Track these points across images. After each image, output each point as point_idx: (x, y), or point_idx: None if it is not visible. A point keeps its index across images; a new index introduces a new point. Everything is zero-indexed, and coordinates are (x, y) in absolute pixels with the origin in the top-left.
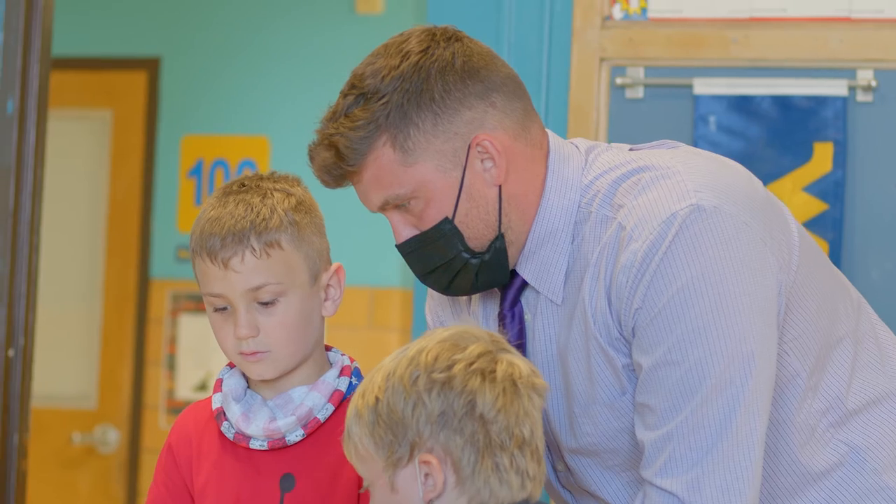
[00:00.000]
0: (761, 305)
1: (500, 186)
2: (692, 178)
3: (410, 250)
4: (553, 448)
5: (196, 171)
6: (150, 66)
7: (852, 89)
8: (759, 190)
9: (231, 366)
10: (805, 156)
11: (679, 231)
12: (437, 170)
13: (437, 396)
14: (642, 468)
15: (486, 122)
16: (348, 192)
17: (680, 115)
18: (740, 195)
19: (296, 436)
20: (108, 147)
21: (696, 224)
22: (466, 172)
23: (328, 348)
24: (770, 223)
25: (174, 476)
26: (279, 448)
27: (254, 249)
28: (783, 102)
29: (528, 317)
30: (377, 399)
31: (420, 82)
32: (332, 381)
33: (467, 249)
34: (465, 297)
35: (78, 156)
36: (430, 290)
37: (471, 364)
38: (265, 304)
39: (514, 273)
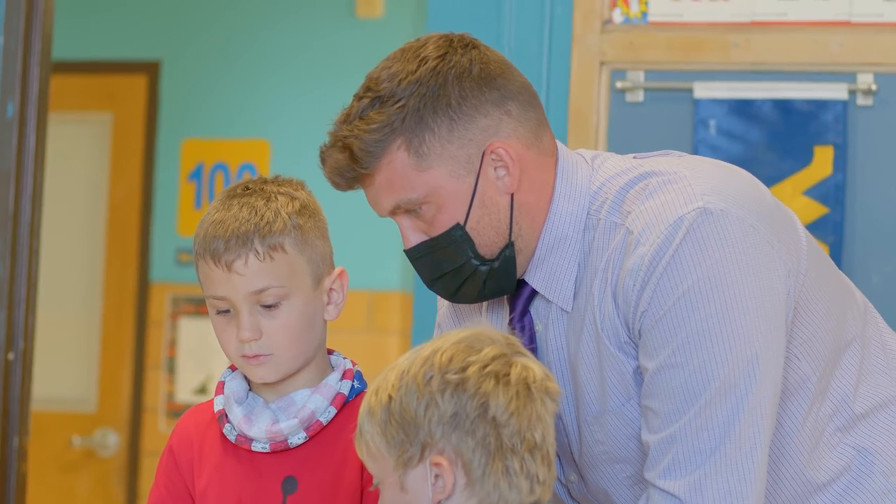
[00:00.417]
0: (767, 309)
1: (512, 195)
2: (699, 182)
3: (419, 255)
4: (565, 458)
5: (196, 174)
6: (151, 70)
7: (852, 93)
8: (767, 195)
9: (233, 368)
10: (805, 159)
11: (687, 234)
12: (450, 176)
13: (450, 397)
14: (646, 470)
15: (500, 130)
16: (347, 196)
17: (680, 118)
18: (747, 199)
19: (298, 438)
20: (108, 150)
21: (703, 227)
22: (480, 179)
23: (330, 352)
24: (777, 227)
25: (175, 479)
26: (281, 450)
27: (257, 252)
28: (783, 106)
29: (538, 327)
30: (390, 397)
31: (437, 88)
32: (335, 384)
33: (477, 256)
34: (474, 309)
35: (78, 159)
36: (438, 306)
37: (485, 366)
38: (268, 307)
39: (522, 283)
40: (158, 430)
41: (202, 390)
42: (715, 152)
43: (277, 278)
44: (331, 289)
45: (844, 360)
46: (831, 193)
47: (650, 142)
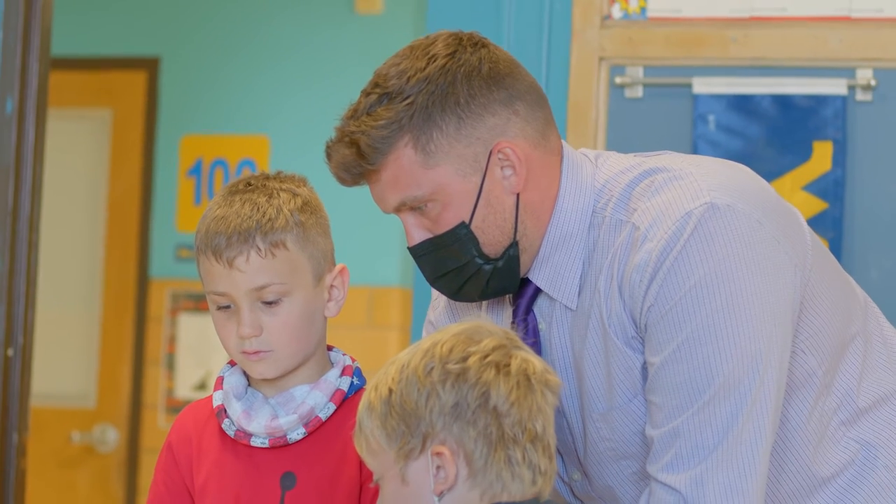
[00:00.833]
0: (773, 305)
1: (518, 195)
2: (705, 178)
3: (423, 253)
4: (569, 456)
5: (195, 170)
6: (150, 66)
7: (852, 88)
8: (771, 192)
9: (232, 364)
10: (804, 155)
11: (695, 229)
12: (456, 174)
13: (451, 388)
14: (649, 463)
15: (508, 130)
16: (347, 192)
17: (679, 114)
18: (753, 195)
19: (297, 434)
20: (107, 146)
21: (710, 221)
22: (486, 178)
23: (330, 348)
24: (783, 223)
25: (174, 475)
26: (280, 446)
27: (259, 249)
28: (783, 101)
29: (542, 326)
30: (390, 390)
31: (446, 85)
32: (334, 380)
33: (481, 255)
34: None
35: (78, 155)
36: (432, 305)
37: (485, 357)
38: (269, 303)
39: (524, 281)
40: (158, 427)
41: (202, 386)
42: (714, 147)
43: (279, 275)
44: (332, 286)
45: (848, 355)
46: (830, 189)
47: (649, 137)
